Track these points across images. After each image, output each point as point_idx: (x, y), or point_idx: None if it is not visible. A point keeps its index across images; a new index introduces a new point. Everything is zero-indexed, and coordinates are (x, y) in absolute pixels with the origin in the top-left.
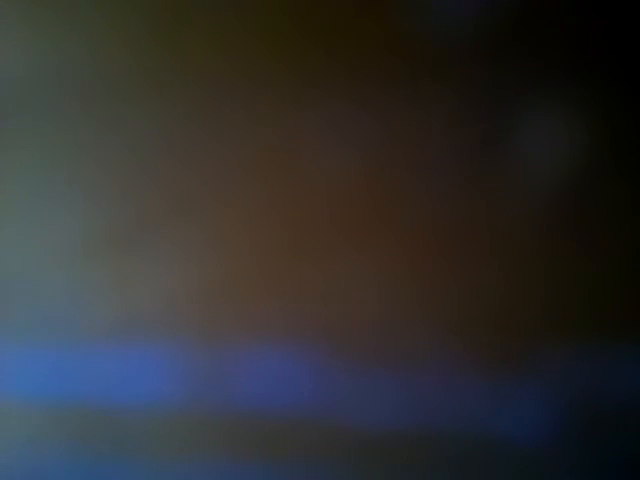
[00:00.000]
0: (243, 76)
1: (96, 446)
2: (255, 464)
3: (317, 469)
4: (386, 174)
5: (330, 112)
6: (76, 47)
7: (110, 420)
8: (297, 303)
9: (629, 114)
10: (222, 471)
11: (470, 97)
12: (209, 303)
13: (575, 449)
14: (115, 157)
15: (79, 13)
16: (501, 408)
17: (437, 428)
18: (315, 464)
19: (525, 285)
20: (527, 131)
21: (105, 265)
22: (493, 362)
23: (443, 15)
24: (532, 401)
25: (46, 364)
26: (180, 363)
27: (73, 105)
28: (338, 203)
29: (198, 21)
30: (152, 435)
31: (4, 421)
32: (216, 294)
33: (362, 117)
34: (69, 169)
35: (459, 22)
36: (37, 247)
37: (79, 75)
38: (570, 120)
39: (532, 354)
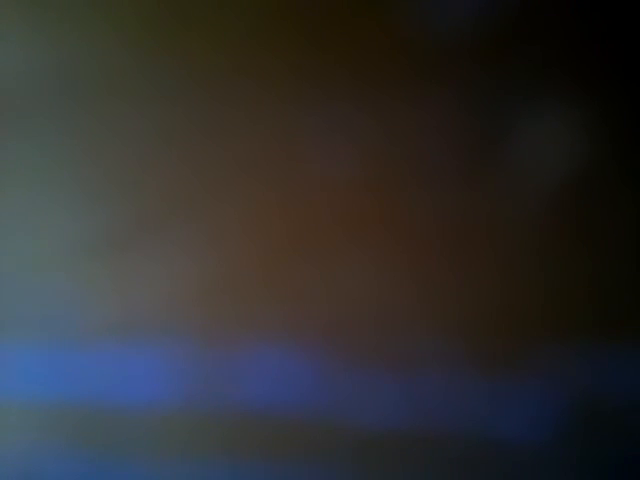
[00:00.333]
0: (243, 76)
1: (96, 446)
2: (255, 464)
3: (317, 469)
4: (386, 174)
5: (331, 112)
6: (76, 47)
7: (110, 420)
8: (297, 303)
9: (629, 114)
10: (222, 471)
11: (470, 97)
12: (209, 303)
13: (575, 449)
14: (115, 157)
15: (79, 13)
16: (501, 408)
17: (437, 428)
18: (315, 464)
19: (525, 285)
20: (527, 131)
21: (105, 265)
22: (493, 362)
23: (443, 15)
24: (532, 401)
25: (46, 364)
26: (180, 363)
27: (73, 105)
28: (338, 203)
29: (198, 21)
30: (152, 435)
31: (4, 421)
32: (216, 294)
33: (362, 117)
34: (69, 169)
35: (459, 22)
36: (37, 247)
37: (79, 75)
38: (570, 120)
39: (532, 354)
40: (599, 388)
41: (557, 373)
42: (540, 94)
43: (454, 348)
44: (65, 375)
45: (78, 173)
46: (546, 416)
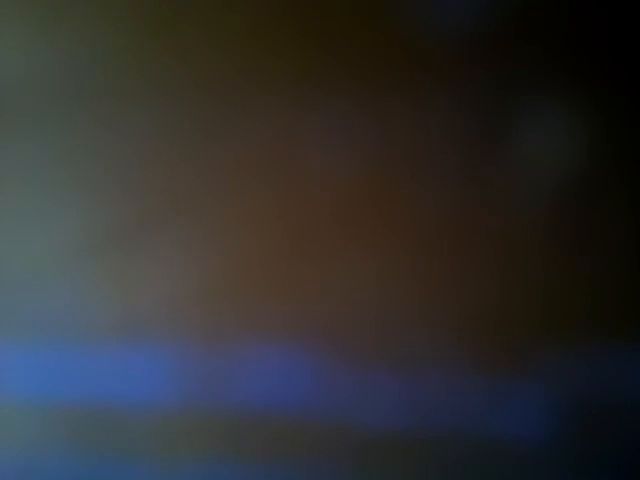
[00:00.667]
0: (243, 76)
1: (97, 446)
2: (256, 464)
3: (317, 469)
4: (386, 173)
5: (330, 112)
6: (76, 47)
7: (111, 420)
8: (297, 303)
9: (629, 115)
10: (223, 471)
11: (470, 97)
12: (210, 303)
13: (575, 449)
14: (115, 157)
15: (79, 13)
16: (501, 408)
17: (437, 428)
18: (315, 464)
19: (525, 285)
20: (527, 131)
21: (105, 265)
22: (493, 362)
23: (443, 15)
24: (532, 401)
25: (47, 364)
26: (181, 363)
27: (73, 105)
28: (338, 203)
29: (198, 21)
30: (153, 435)
31: (5, 421)
32: (216, 294)
33: (362, 117)
34: (69, 169)
35: (459, 22)
36: (37, 247)
37: (79, 75)
38: (570, 120)
39: (532, 354)
40: (599, 388)
41: (557, 373)
42: (540, 94)
43: (454, 348)
44: (65, 375)
45: (78, 173)
46: (546, 416)
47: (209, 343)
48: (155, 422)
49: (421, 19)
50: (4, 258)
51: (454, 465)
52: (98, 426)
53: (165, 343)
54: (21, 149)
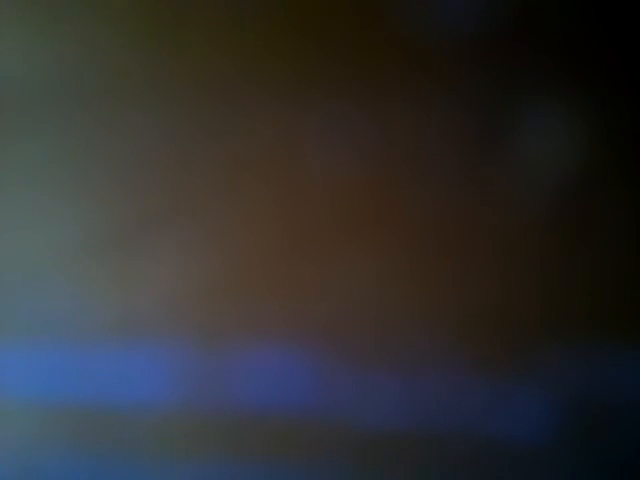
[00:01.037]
0: (243, 76)
1: (96, 446)
2: (255, 464)
3: (317, 469)
4: (386, 174)
5: (330, 112)
6: (76, 47)
7: (110, 420)
8: (297, 303)
9: (629, 114)
10: (222, 471)
11: (470, 97)
12: (210, 303)
13: (575, 449)
14: (115, 157)
15: (79, 13)
16: (501, 408)
17: (437, 428)
18: (315, 464)
19: (525, 285)
20: (527, 131)
21: (105, 265)
22: (493, 362)
23: (443, 16)
24: (532, 401)
25: (46, 364)
26: (181, 363)
27: (73, 105)
28: (338, 203)
29: (198, 21)
30: (153, 435)
31: (4, 421)
32: (216, 294)
33: (362, 117)
34: (69, 169)
35: (459, 22)
36: (37, 247)
37: (79, 75)
38: (570, 120)
39: (532, 354)
40: (599, 388)
41: (557, 373)
42: (540, 94)
43: (454, 348)
44: (65, 375)
45: (78, 172)
46: (546, 416)
47: (209, 343)
48: (155, 422)
49: (421, 19)
50: (4, 258)
51: (454, 465)
52: (98, 426)
53: (165, 343)
54: (21, 149)
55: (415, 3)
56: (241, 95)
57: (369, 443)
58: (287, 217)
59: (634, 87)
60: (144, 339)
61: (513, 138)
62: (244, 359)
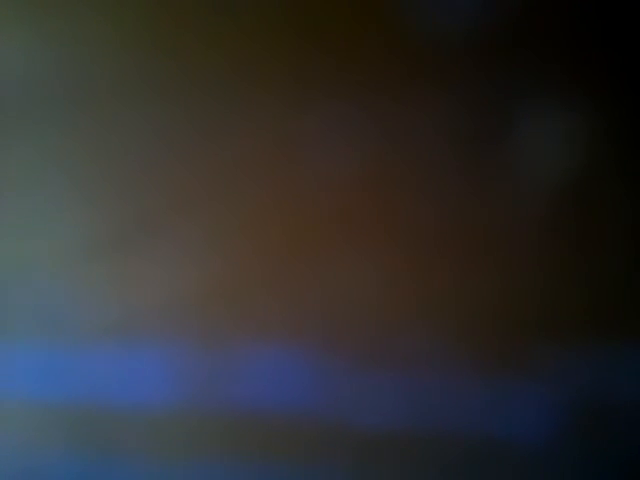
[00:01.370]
0: (243, 76)
1: (95, 446)
2: (255, 465)
3: (316, 469)
4: (386, 174)
5: (330, 113)
6: (76, 47)
7: (109, 420)
8: (297, 304)
9: (629, 114)
10: (221, 472)
11: (470, 98)
12: (209, 304)
13: (575, 449)
14: (115, 157)
15: (79, 13)
16: (501, 408)
17: (437, 428)
18: (314, 464)
19: (525, 285)
20: (527, 131)
21: (105, 266)
22: (493, 362)
23: (443, 16)
24: (532, 401)
25: (46, 365)
26: (179, 364)
27: (72, 105)
28: (338, 204)
29: (198, 22)
30: (151, 435)
31: (4, 421)
32: (215, 295)
33: (362, 118)
34: (69, 170)
35: (459, 23)
36: (37, 247)
37: (79, 76)
38: (570, 120)
39: (531, 354)
40: (599, 388)
41: (556, 373)
42: (540, 94)
43: (453, 348)
44: (64, 375)
45: (77, 173)
46: (546, 416)
47: (207, 344)
48: (154, 422)
49: (421, 20)
50: (3, 258)
51: (454, 465)
52: (97, 426)
53: (164, 344)
54: (20, 149)
55: (415, 4)
56: (240, 96)
57: (369, 443)
58: (286, 218)
59: (634, 87)
60: (143, 340)
61: (513, 138)
62: (243, 360)
